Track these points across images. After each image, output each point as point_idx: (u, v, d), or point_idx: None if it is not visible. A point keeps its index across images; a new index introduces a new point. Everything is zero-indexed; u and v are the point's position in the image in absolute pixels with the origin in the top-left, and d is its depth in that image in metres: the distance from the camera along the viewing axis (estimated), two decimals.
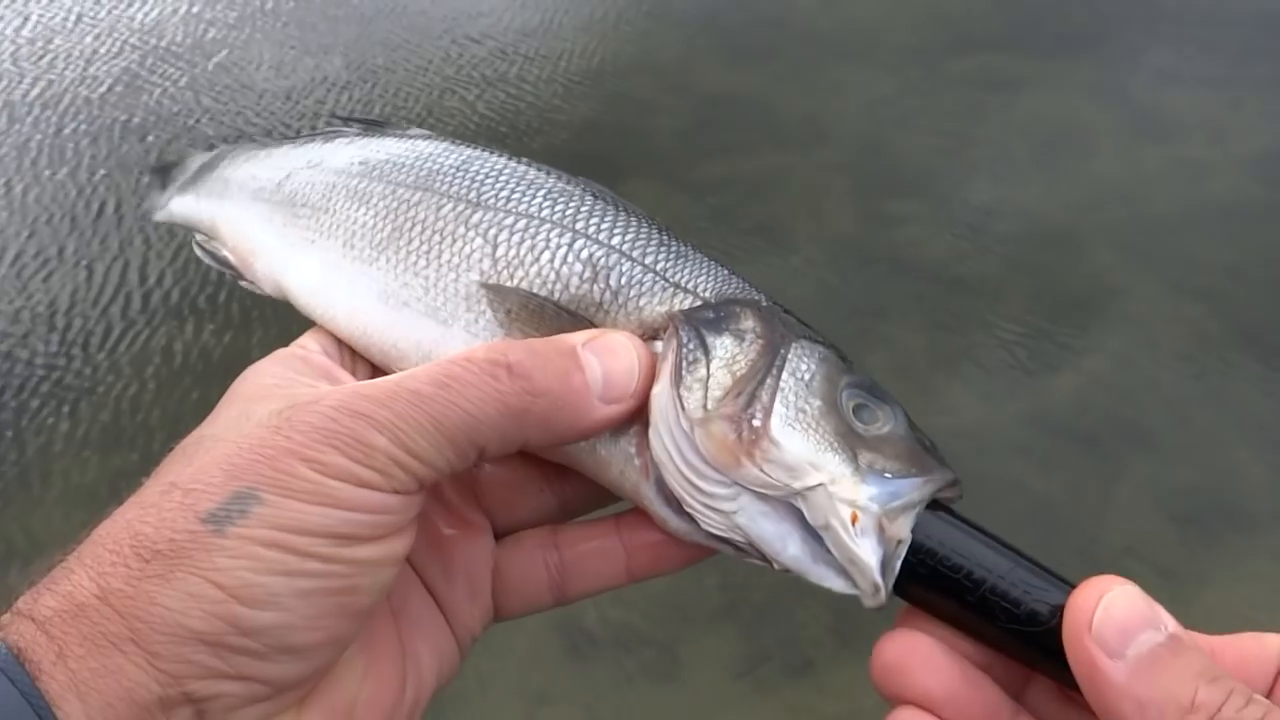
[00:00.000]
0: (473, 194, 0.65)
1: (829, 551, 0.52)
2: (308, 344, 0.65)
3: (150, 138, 2.95)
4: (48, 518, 2.00)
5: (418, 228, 0.64)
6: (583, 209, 0.63)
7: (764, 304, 0.60)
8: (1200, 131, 2.89)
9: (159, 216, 0.86)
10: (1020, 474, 2.03)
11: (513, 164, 0.67)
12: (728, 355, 0.56)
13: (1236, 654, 0.49)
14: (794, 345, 0.57)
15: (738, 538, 0.54)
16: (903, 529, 0.51)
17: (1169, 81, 3.07)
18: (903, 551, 0.51)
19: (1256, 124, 2.90)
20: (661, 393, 0.55)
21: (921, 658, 0.51)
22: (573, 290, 0.60)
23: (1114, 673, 0.45)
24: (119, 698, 0.44)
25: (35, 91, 3.15)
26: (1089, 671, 0.46)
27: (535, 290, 0.60)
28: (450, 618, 0.60)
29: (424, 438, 0.50)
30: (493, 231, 0.63)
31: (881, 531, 0.51)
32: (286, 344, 0.64)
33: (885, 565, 0.51)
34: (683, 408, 0.54)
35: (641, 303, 0.60)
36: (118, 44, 3.37)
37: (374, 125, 0.76)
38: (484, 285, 0.61)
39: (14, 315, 2.42)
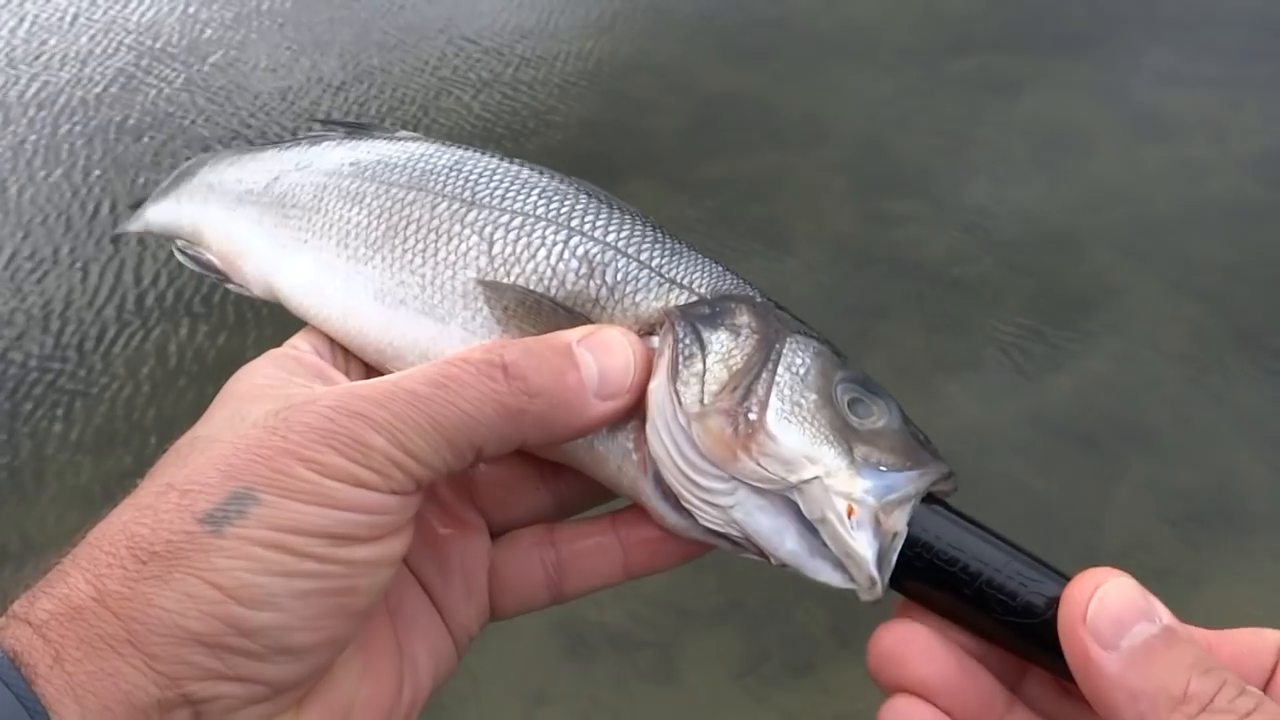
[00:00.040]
0: (467, 193, 0.65)
1: (825, 545, 0.52)
2: (300, 344, 0.64)
3: (146, 138, 2.95)
4: (42, 520, 2.00)
5: (413, 226, 0.64)
6: (578, 206, 0.63)
7: (758, 299, 0.60)
8: (1200, 131, 2.89)
9: (133, 226, 0.85)
10: (1020, 474, 2.02)
11: (506, 164, 0.67)
12: (723, 350, 0.56)
13: (1233, 647, 0.49)
14: (789, 340, 0.57)
15: (735, 532, 0.54)
16: (899, 522, 0.52)
17: (1169, 81, 3.07)
18: (899, 545, 0.51)
19: (1256, 124, 2.91)
20: (658, 388, 0.56)
21: (918, 646, 0.51)
22: (569, 287, 0.60)
23: (1108, 664, 0.46)
24: (117, 700, 0.44)
25: (31, 92, 3.15)
26: (1083, 662, 0.46)
27: (532, 287, 0.60)
28: (447, 617, 0.60)
29: (422, 438, 0.50)
30: (489, 229, 0.63)
31: (877, 525, 0.51)
32: (281, 344, 0.64)
33: (881, 558, 0.51)
34: (679, 403, 0.54)
35: (638, 299, 0.60)
36: (114, 44, 3.37)
37: (359, 128, 0.76)
38: (481, 282, 0.61)
39: (8, 316, 2.42)
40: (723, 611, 1.82)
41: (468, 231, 0.63)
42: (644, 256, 0.61)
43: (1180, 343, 2.30)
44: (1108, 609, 0.46)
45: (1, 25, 3.48)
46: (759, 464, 0.52)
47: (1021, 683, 0.53)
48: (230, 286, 0.73)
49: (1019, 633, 0.50)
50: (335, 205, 0.68)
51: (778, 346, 0.56)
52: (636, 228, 0.63)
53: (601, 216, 0.63)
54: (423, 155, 0.68)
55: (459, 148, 0.69)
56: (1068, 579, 0.49)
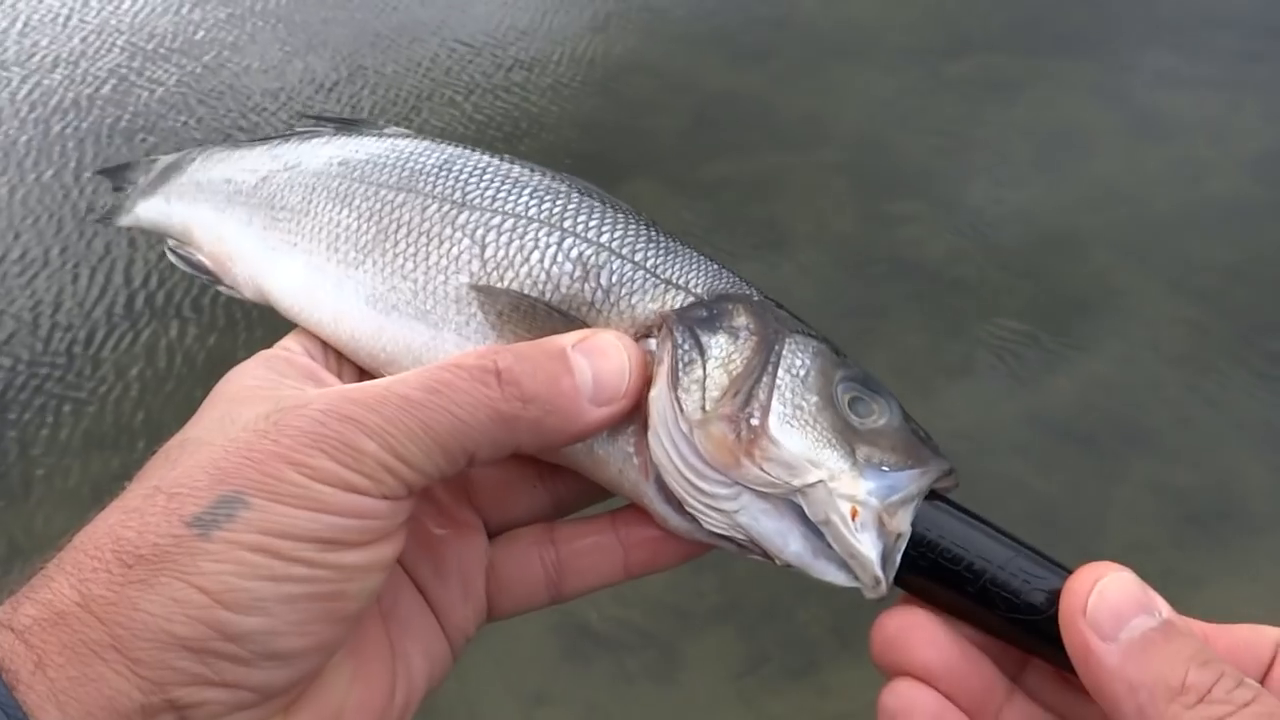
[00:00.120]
0: (458, 194, 0.64)
1: (830, 546, 0.52)
2: (291, 345, 0.64)
3: (140, 139, 2.94)
4: (29, 524, 1.99)
5: (403, 229, 0.64)
6: (570, 207, 0.63)
7: (756, 298, 0.60)
8: (1200, 131, 2.88)
9: (124, 221, 0.84)
10: (1020, 474, 2.02)
11: (496, 162, 0.66)
12: (723, 354, 0.55)
13: (1230, 641, 0.49)
14: (788, 341, 0.57)
15: (739, 535, 0.54)
16: (902, 522, 0.52)
17: (1169, 82, 3.07)
18: (903, 544, 0.51)
19: (1256, 124, 2.90)
20: (659, 396, 0.55)
21: (921, 632, 0.52)
22: (564, 290, 0.60)
23: (1107, 655, 0.46)
24: (100, 706, 0.43)
25: (24, 91, 3.14)
26: (1083, 654, 0.47)
27: (526, 291, 0.60)
28: (442, 618, 0.59)
29: (414, 443, 0.49)
30: (480, 232, 0.62)
31: (881, 525, 0.52)
32: (272, 346, 0.64)
33: (886, 558, 0.51)
34: (681, 410, 0.54)
35: (634, 301, 0.59)
36: (107, 45, 3.36)
37: (349, 124, 0.75)
38: (474, 287, 0.60)
39: None
40: (723, 612, 1.82)
41: (459, 235, 0.62)
42: (639, 257, 0.60)
43: (1180, 343, 2.30)
44: (1107, 602, 0.47)
45: None
46: (762, 469, 0.52)
47: (1022, 672, 0.54)
48: (221, 288, 0.73)
49: (1023, 629, 0.50)
50: (324, 207, 0.67)
51: (777, 348, 0.56)
52: (630, 228, 0.62)
53: (595, 217, 0.62)
54: (412, 154, 0.67)
55: (448, 145, 0.68)
56: (1070, 573, 0.49)
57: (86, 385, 2.25)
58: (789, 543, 0.53)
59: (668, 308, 0.58)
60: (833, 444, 0.53)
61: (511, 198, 0.63)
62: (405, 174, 0.66)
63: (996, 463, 2.04)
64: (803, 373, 0.55)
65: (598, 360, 0.55)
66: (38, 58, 3.29)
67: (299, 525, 0.47)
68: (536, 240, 0.61)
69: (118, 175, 0.86)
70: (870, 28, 3.36)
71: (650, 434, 0.55)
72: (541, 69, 3.19)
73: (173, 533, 0.46)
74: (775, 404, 0.54)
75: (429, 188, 0.65)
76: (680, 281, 0.60)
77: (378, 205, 0.65)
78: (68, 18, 3.48)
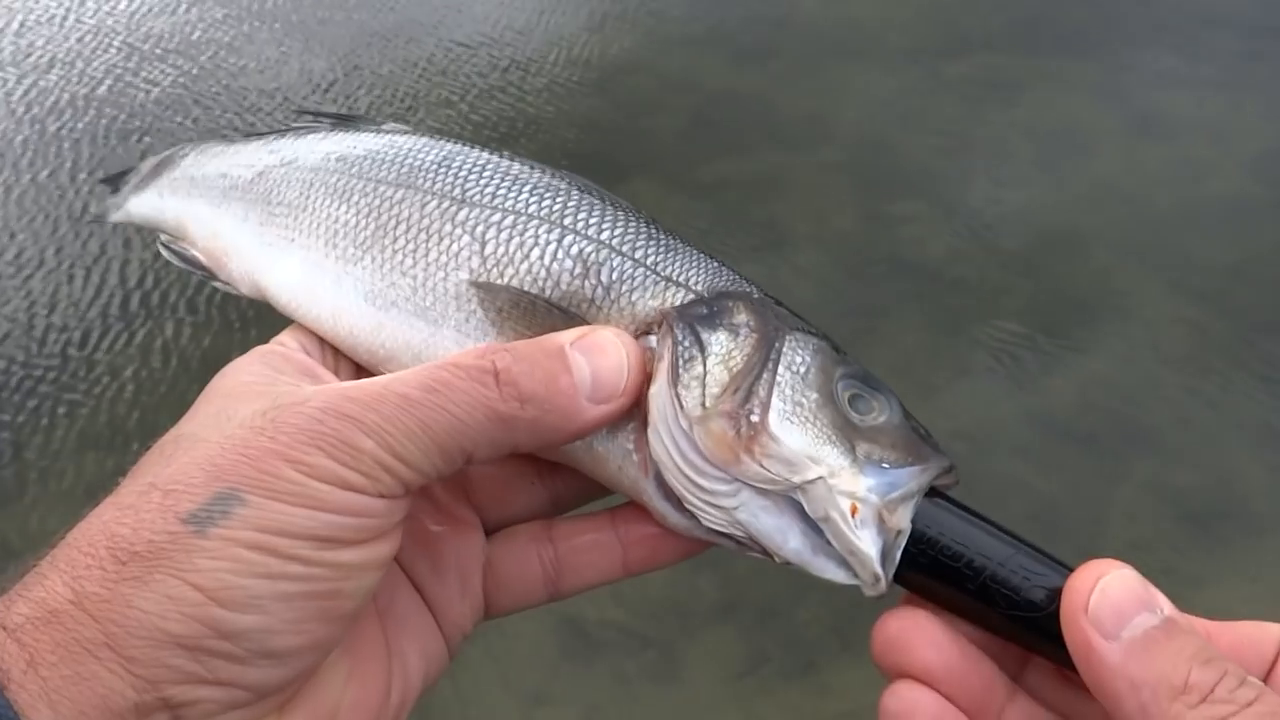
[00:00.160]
0: (457, 190, 0.64)
1: (829, 543, 0.52)
2: (288, 341, 0.64)
3: (136, 139, 2.94)
4: (24, 524, 1.98)
5: (402, 226, 0.63)
6: (570, 204, 0.62)
7: (756, 296, 0.60)
8: (1200, 131, 2.88)
9: (116, 217, 0.83)
10: (1020, 474, 2.02)
11: (496, 158, 0.66)
12: (723, 351, 0.55)
13: (1233, 638, 0.49)
14: (788, 338, 0.56)
15: (739, 533, 0.54)
16: (902, 519, 0.52)
17: (1169, 82, 3.07)
18: (903, 541, 0.51)
19: (1256, 124, 2.90)
20: (659, 392, 0.55)
21: (922, 633, 0.51)
22: (564, 287, 0.60)
23: (1109, 654, 0.46)
24: (93, 705, 0.43)
25: (20, 91, 3.14)
26: (1084, 652, 0.47)
27: (526, 288, 0.60)
28: (439, 616, 0.59)
29: (412, 442, 0.49)
30: (480, 229, 0.62)
31: (881, 522, 0.51)
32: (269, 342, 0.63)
33: (886, 556, 0.51)
34: (681, 407, 0.54)
35: (634, 298, 0.59)
36: (105, 44, 3.35)
37: (345, 120, 0.75)
38: (474, 284, 0.60)
39: None
40: (722, 612, 1.82)
41: (459, 231, 0.62)
42: (639, 254, 0.60)
43: (1180, 342, 2.29)
44: (1109, 599, 0.47)
45: None
46: (762, 466, 0.52)
47: (1023, 671, 0.54)
48: (217, 285, 0.72)
49: (1024, 626, 0.50)
50: (322, 203, 0.67)
51: (777, 345, 0.56)
52: (631, 224, 0.62)
53: (595, 213, 0.62)
54: (411, 150, 0.67)
55: (447, 142, 0.68)
56: (1071, 570, 0.49)
57: (81, 386, 2.24)
58: (788, 540, 0.53)
59: (668, 305, 0.58)
60: (833, 440, 0.53)
61: (511, 194, 0.63)
62: (404, 170, 0.66)
63: (996, 463, 2.04)
64: (803, 370, 0.55)
65: (596, 358, 0.55)
66: (34, 58, 3.28)
67: (296, 523, 0.47)
68: (537, 237, 0.61)
69: (119, 181, 0.85)
70: (870, 28, 3.36)
71: (650, 430, 0.55)
72: (538, 69, 3.19)
73: (168, 529, 0.45)
74: (775, 400, 0.54)
75: (428, 184, 0.64)
76: (680, 279, 0.60)
77: (377, 201, 0.65)
78: (64, 18, 3.47)
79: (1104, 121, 2.94)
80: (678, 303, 0.58)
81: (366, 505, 0.49)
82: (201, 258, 0.73)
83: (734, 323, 0.57)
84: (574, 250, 0.60)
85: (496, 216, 0.62)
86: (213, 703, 0.45)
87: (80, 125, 2.98)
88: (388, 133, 0.71)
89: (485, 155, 0.66)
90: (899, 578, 0.52)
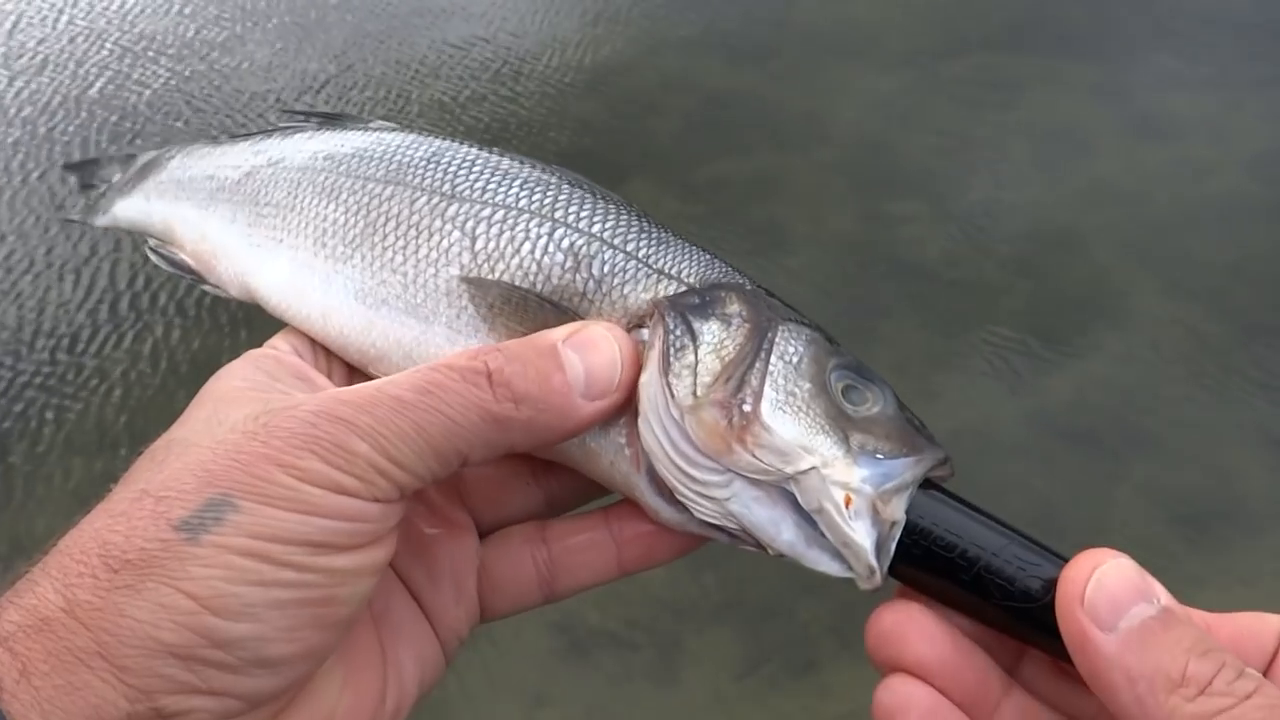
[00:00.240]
0: (447, 186, 0.63)
1: (823, 535, 0.52)
2: (280, 344, 0.63)
3: (128, 139, 2.93)
4: (12, 529, 1.96)
5: (391, 222, 0.63)
6: (561, 197, 0.62)
7: (748, 286, 0.59)
8: (1200, 131, 2.88)
9: (102, 222, 0.82)
10: (1020, 474, 2.02)
11: (485, 154, 0.65)
12: (715, 340, 0.55)
13: (1233, 630, 0.49)
14: (781, 328, 0.56)
15: (731, 525, 0.54)
16: (897, 510, 0.51)
17: (1169, 81, 3.06)
18: (897, 533, 0.51)
19: (1256, 124, 2.90)
20: (650, 381, 0.55)
21: (917, 627, 0.51)
22: (555, 281, 0.59)
23: (1105, 645, 0.45)
24: (85, 715, 0.42)
25: (13, 91, 3.12)
26: (1081, 644, 0.46)
27: (517, 282, 0.59)
28: (434, 621, 0.59)
29: (406, 445, 0.49)
30: (470, 224, 0.61)
31: (876, 513, 0.51)
32: (260, 345, 0.63)
33: (880, 547, 0.51)
34: (672, 395, 0.53)
35: (626, 290, 0.59)
36: (103, 45, 3.34)
37: (332, 119, 0.74)
38: (465, 280, 0.60)
39: None
40: (722, 612, 1.82)
41: (449, 227, 0.61)
42: (630, 247, 0.60)
43: (1180, 342, 2.29)
44: (1105, 590, 0.46)
45: None
46: (755, 456, 0.52)
47: (1019, 664, 0.53)
48: (206, 288, 0.72)
49: (1018, 617, 0.50)
50: (310, 202, 0.66)
51: (770, 335, 0.55)
52: (622, 218, 0.61)
53: (586, 207, 0.61)
54: (399, 147, 0.67)
55: (436, 138, 0.67)
56: (1066, 561, 0.49)
57: (69, 389, 2.23)
58: (782, 531, 0.52)
59: (660, 297, 0.58)
60: (826, 431, 0.53)
61: (501, 189, 0.62)
62: (393, 167, 0.65)
63: (996, 463, 2.04)
64: (796, 359, 0.55)
65: (588, 354, 0.54)
66: (25, 58, 3.27)
67: (289, 528, 0.46)
68: (527, 231, 0.60)
69: (86, 171, 0.84)
70: (870, 28, 3.36)
71: (640, 421, 0.55)
72: (531, 69, 3.19)
73: (160, 537, 0.45)
74: (768, 390, 0.53)
75: (417, 180, 0.64)
76: (672, 271, 0.59)
77: (365, 199, 0.64)
78: (57, 18, 3.47)
79: (1103, 122, 2.94)
80: (669, 294, 0.58)
81: (361, 509, 0.48)
82: (190, 261, 0.73)
83: (726, 312, 0.56)
84: (565, 244, 0.60)
85: (486, 211, 0.61)
86: (206, 712, 0.45)
87: (72, 127, 2.97)
88: (375, 130, 0.70)
89: (474, 150, 0.66)
90: (892, 570, 0.51)
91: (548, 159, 0.66)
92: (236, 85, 3.16)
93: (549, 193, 0.62)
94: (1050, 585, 0.48)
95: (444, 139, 0.67)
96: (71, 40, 3.36)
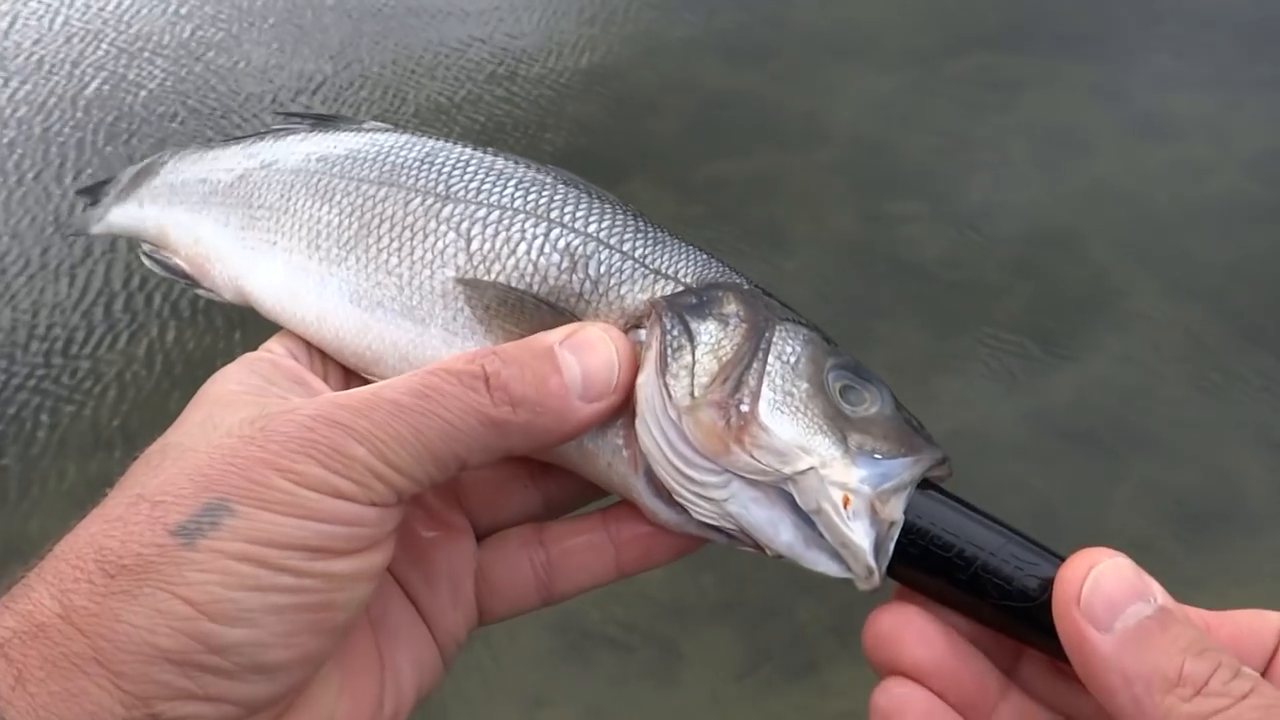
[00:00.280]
0: (441, 187, 0.63)
1: (821, 535, 0.52)
2: (275, 347, 0.63)
3: (125, 139, 2.92)
4: (4, 529, 1.96)
5: (386, 224, 0.62)
6: (556, 197, 0.62)
7: (746, 286, 0.59)
8: (1200, 131, 2.88)
9: (97, 229, 0.82)
10: (1019, 474, 2.02)
11: (480, 154, 0.65)
12: (713, 340, 0.55)
13: (1232, 628, 0.49)
14: (778, 328, 0.56)
15: (729, 525, 0.53)
16: (895, 511, 0.51)
17: (1169, 82, 3.06)
18: (895, 533, 0.51)
19: (1256, 124, 2.90)
20: (647, 382, 0.54)
21: (914, 629, 0.51)
22: (552, 281, 0.59)
23: (1101, 645, 0.45)
24: None
25: (9, 91, 3.11)
26: (1077, 644, 0.46)
27: (513, 283, 0.59)
28: (432, 625, 0.58)
29: (404, 449, 0.49)
30: (465, 225, 0.61)
31: (874, 514, 0.51)
32: (256, 348, 0.63)
33: (879, 547, 0.51)
34: (669, 396, 0.53)
35: (623, 291, 0.58)
36: (99, 45, 3.34)
37: (324, 120, 0.74)
38: (460, 281, 0.59)
39: None
40: (722, 611, 1.82)
41: (444, 228, 0.61)
42: (627, 247, 0.60)
43: (1180, 342, 2.29)
44: (1102, 589, 0.46)
45: None
46: (753, 456, 0.52)
47: (1017, 665, 0.53)
48: (200, 292, 0.71)
49: (1015, 617, 0.50)
50: (304, 204, 0.66)
51: (767, 335, 0.55)
52: (619, 218, 0.61)
53: (582, 207, 0.61)
54: (393, 148, 0.66)
55: (430, 138, 0.67)
56: (1063, 560, 0.48)
57: (64, 391, 2.22)
58: (780, 532, 0.52)
59: (657, 297, 0.58)
60: (824, 431, 0.53)
61: (497, 190, 0.62)
62: (387, 168, 0.65)
63: (996, 463, 2.03)
64: (793, 359, 0.55)
65: (585, 356, 0.54)
66: (21, 58, 3.26)
67: (286, 533, 0.46)
68: (523, 232, 0.60)
69: (96, 193, 0.84)
70: (869, 28, 3.36)
71: (638, 421, 0.54)
72: (528, 70, 3.18)
73: (156, 542, 0.45)
74: (766, 390, 0.53)
75: (412, 181, 0.63)
76: (669, 271, 0.59)
77: (359, 200, 0.64)
78: (53, 18, 3.46)
79: (1103, 122, 2.94)
80: (666, 294, 0.58)
81: (358, 514, 0.48)
82: (184, 265, 0.72)
83: (723, 312, 0.56)
84: (561, 244, 0.60)
85: (482, 212, 0.61)
86: (203, 718, 0.45)
87: (69, 127, 2.96)
88: (369, 131, 0.70)
89: (469, 151, 0.66)
90: (891, 570, 0.51)
91: (544, 160, 0.66)
92: (233, 85, 3.15)
93: (544, 193, 0.62)
94: (1047, 585, 0.48)
95: (438, 139, 0.67)
96: (68, 40, 3.35)
